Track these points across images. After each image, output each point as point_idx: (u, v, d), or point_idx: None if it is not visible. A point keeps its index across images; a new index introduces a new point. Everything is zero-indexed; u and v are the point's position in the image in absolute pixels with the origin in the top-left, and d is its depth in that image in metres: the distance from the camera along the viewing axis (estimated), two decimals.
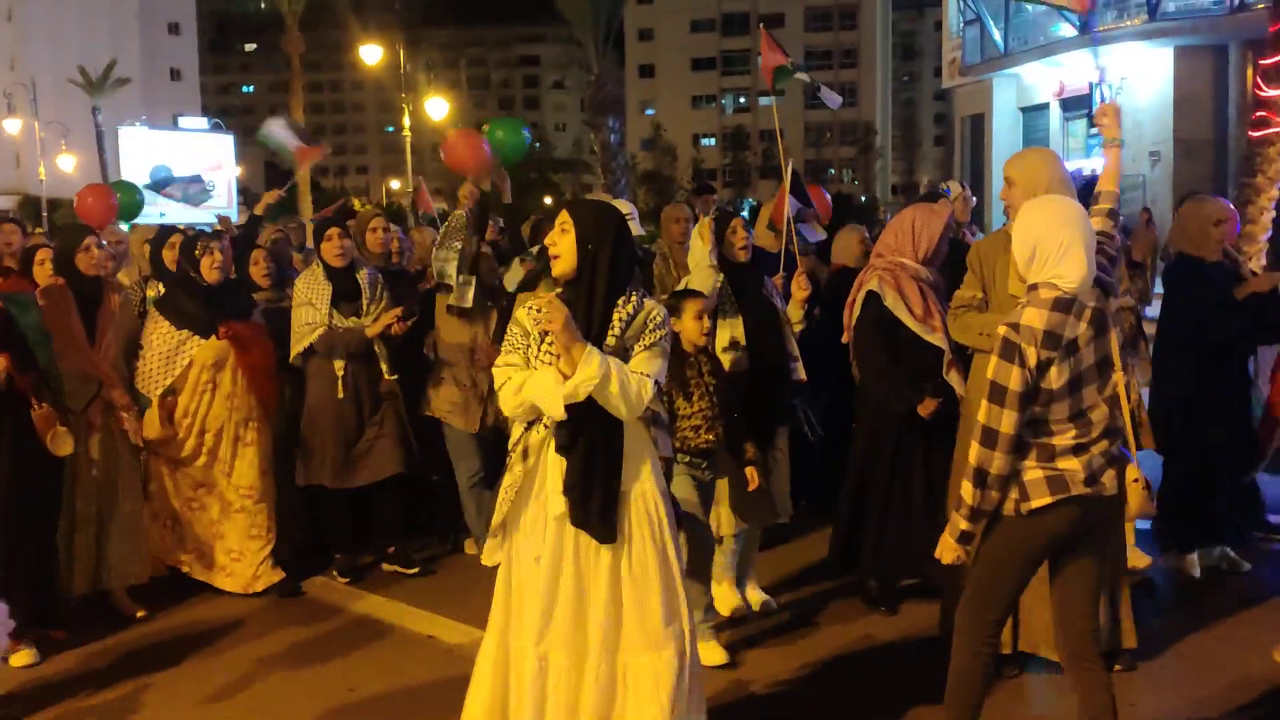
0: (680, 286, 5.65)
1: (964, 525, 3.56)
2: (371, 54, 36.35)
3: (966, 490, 3.51)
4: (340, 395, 6.29)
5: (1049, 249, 3.44)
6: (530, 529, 3.66)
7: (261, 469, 6.25)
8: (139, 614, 5.86)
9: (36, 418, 5.14)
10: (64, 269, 5.71)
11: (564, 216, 3.63)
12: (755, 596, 5.78)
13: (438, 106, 37.59)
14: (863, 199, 65.81)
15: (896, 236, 5.49)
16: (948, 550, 3.64)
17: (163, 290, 6.56)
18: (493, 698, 3.73)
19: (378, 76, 44.49)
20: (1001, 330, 3.47)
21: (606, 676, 3.61)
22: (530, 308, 3.64)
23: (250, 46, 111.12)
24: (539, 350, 3.56)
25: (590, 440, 3.56)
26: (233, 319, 6.15)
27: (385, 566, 6.60)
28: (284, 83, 41.11)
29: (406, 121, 36.12)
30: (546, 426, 3.60)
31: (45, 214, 45.40)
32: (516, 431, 3.72)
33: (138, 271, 7.84)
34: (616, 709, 3.63)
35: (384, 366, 6.40)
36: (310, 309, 6.26)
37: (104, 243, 6.08)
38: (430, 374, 6.63)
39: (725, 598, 5.67)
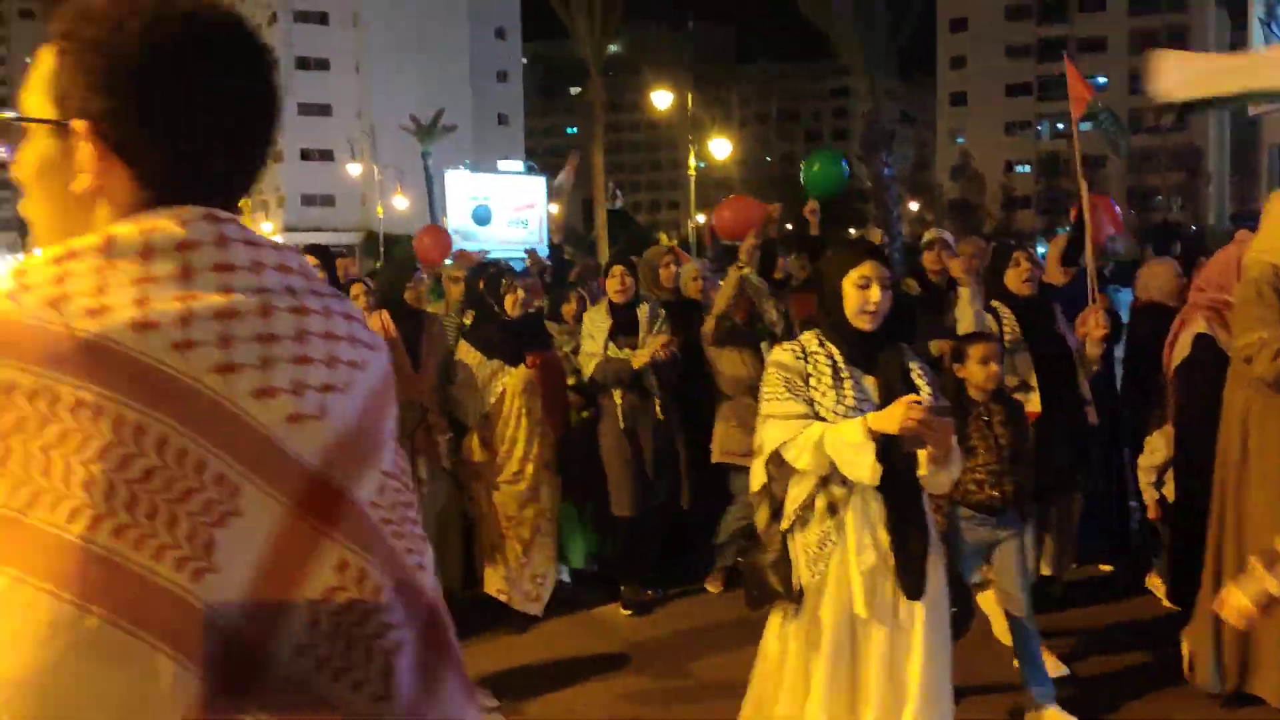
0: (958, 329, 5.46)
1: (1276, 589, 3.02)
2: (663, 99, 37.93)
3: None
4: (620, 426, 6.46)
5: None
6: (838, 587, 3.47)
7: (561, 495, 6.48)
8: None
9: None
10: (387, 302, 6.24)
11: (878, 269, 3.53)
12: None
13: (721, 146, 38.60)
14: (1192, 228, 61.44)
15: (1221, 272, 5.12)
16: (1236, 610, 3.06)
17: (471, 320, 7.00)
18: None
19: (693, 114, 45.91)
20: None
21: None
22: (911, 408, 3.24)
23: (576, 89, 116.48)
24: (831, 392, 3.42)
25: (897, 489, 3.43)
26: (534, 350, 6.41)
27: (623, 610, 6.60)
28: (610, 124, 43.02)
29: (692, 161, 37.22)
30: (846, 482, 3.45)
31: (383, 249, 49.46)
32: (807, 484, 3.52)
33: (447, 303, 8.41)
34: None
35: (656, 402, 6.50)
36: (590, 341, 6.52)
37: (424, 277, 6.63)
38: (716, 413, 6.67)
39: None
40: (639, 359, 6.41)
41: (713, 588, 6.80)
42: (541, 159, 63.02)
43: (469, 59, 78.49)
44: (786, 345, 3.64)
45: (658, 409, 6.51)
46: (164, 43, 1.19)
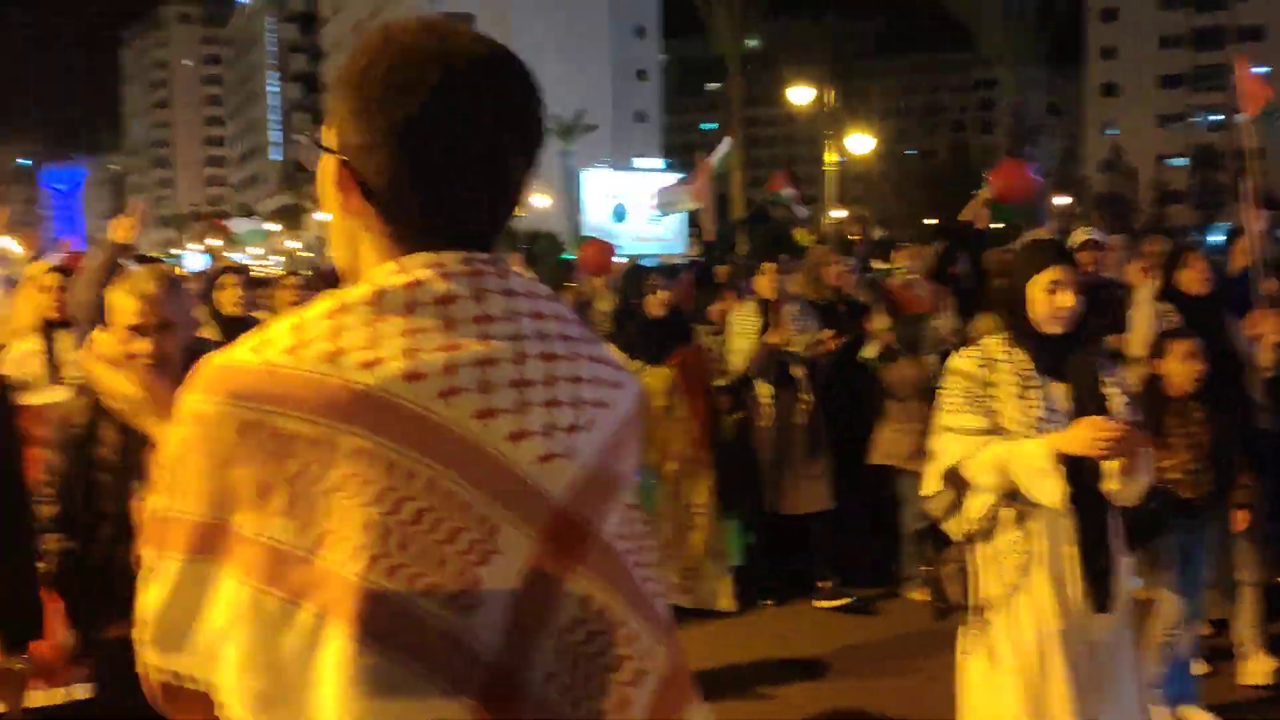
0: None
1: None
2: (801, 94, 37.33)
3: None
4: (767, 423, 6.48)
5: None
6: (1028, 599, 3.31)
7: (711, 487, 6.47)
8: None
9: None
10: None
11: (1069, 272, 3.36)
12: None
13: (860, 142, 37.97)
14: None
15: None
16: None
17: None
18: None
19: (832, 108, 45.38)
20: None
21: None
22: (1101, 434, 3.10)
23: (713, 85, 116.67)
24: (1015, 403, 3.27)
25: (1085, 504, 3.26)
26: (677, 349, 6.44)
27: (816, 603, 6.61)
28: (743, 119, 42.92)
29: (830, 156, 36.65)
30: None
31: (524, 246, 50.18)
32: (988, 495, 3.35)
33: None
34: None
35: (803, 396, 6.50)
36: (740, 338, 6.62)
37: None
38: (878, 414, 6.64)
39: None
40: (772, 337, 6.43)
41: (917, 595, 6.62)
42: (679, 155, 63.24)
43: (609, 58, 79.16)
44: (969, 352, 3.48)
45: (806, 407, 6.49)
46: (412, 84, 1.23)
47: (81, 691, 4.47)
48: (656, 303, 6.42)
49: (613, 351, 1.24)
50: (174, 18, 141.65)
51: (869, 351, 6.70)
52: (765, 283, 6.70)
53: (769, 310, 6.62)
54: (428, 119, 1.22)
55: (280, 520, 1.17)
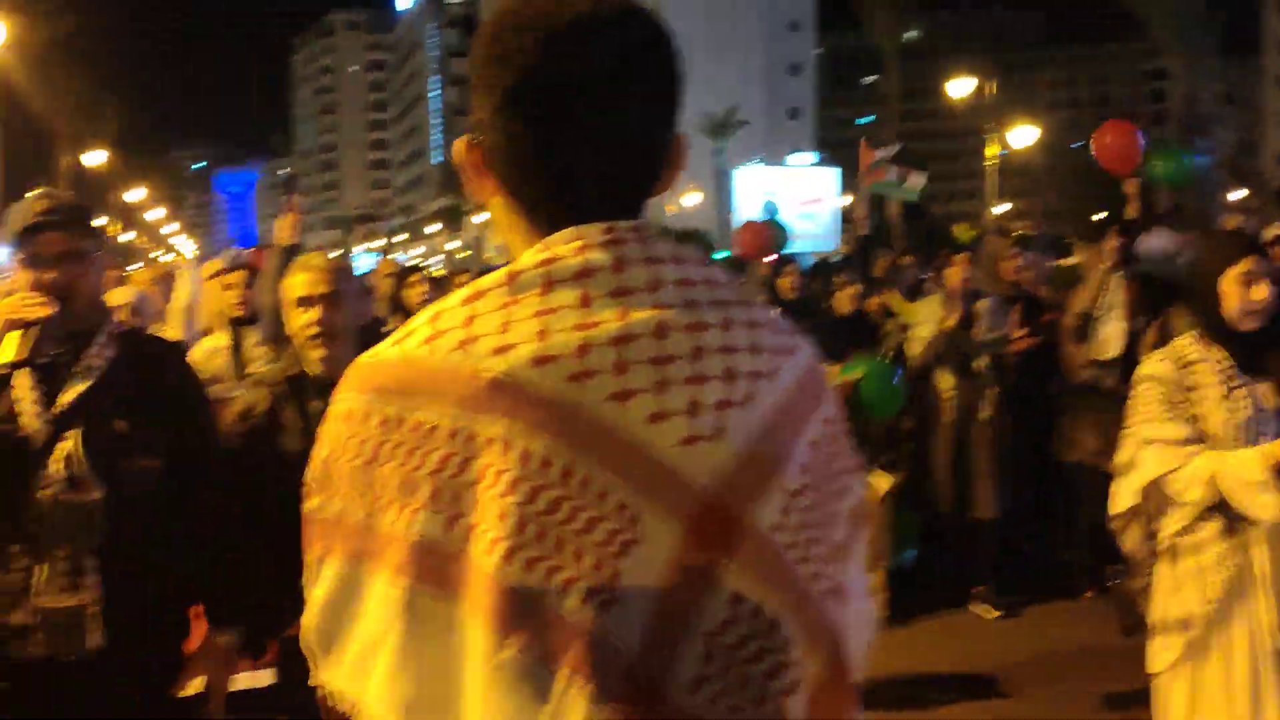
0: None
1: None
2: (961, 87, 36.54)
3: None
4: (947, 419, 6.33)
5: None
6: (1240, 615, 3.11)
7: (890, 488, 6.37)
8: None
9: None
10: None
11: (1262, 263, 3.18)
12: None
13: (1022, 134, 36.88)
14: None
15: None
16: None
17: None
18: None
19: (994, 100, 44.11)
20: None
21: None
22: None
23: (869, 79, 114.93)
24: (1219, 407, 3.08)
25: None
26: (856, 349, 6.32)
27: (971, 608, 6.47)
28: (898, 113, 42.18)
29: (990, 150, 35.64)
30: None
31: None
32: (1189, 509, 3.15)
33: None
34: None
35: (988, 393, 6.32)
36: (923, 329, 6.47)
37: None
38: (1067, 410, 6.45)
39: None
40: (948, 324, 6.28)
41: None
42: (833, 151, 62.47)
43: (762, 54, 78.79)
44: (1161, 354, 3.31)
45: (992, 403, 6.31)
46: (511, 53, 1.19)
47: (267, 678, 4.70)
48: (845, 298, 6.29)
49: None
50: (341, 25, 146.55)
51: (1111, 348, 6.30)
52: (955, 274, 6.44)
53: (955, 302, 6.37)
54: (530, 88, 1.18)
55: (427, 515, 1.14)
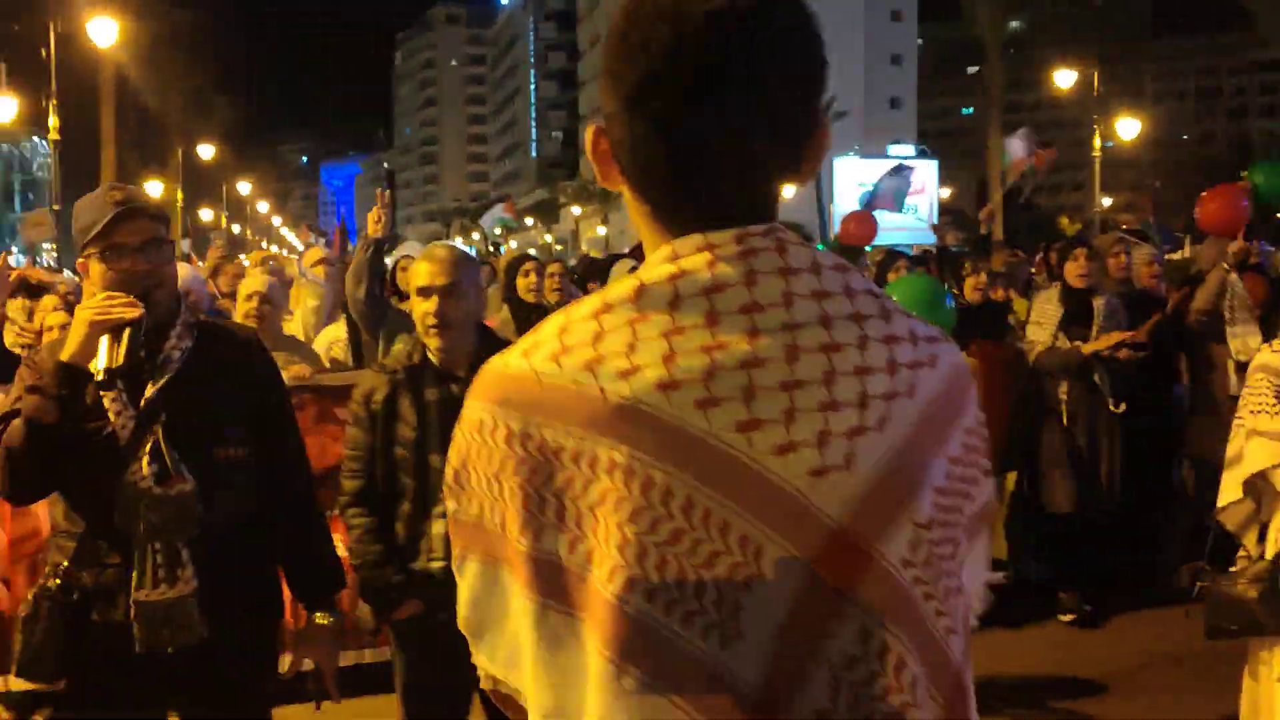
0: None
1: None
2: (1066, 78, 35.87)
3: None
4: (1063, 423, 6.13)
5: None
6: None
7: (1003, 495, 6.29)
8: None
9: None
10: None
11: None
12: None
13: (1128, 126, 35.97)
14: None
15: None
16: None
17: None
18: None
19: (1100, 92, 43.14)
20: None
21: None
22: None
23: (973, 69, 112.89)
24: None
25: None
26: (983, 339, 6.24)
27: (1060, 618, 6.27)
28: (1003, 103, 41.47)
29: (1097, 142, 34.78)
30: None
31: None
32: None
33: None
34: None
35: (1109, 399, 6.09)
36: (1037, 328, 6.23)
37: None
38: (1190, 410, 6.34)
39: None
40: (1089, 347, 6.05)
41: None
42: (934, 141, 61.63)
43: (862, 44, 77.88)
44: (1277, 345, 3.27)
45: (1110, 404, 6.08)
46: (637, 47, 1.15)
47: (372, 655, 4.80)
48: (972, 286, 6.15)
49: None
50: (442, 19, 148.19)
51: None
52: (1074, 269, 6.19)
53: (1072, 300, 6.16)
54: (658, 82, 1.14)
55: (553, 534, 1.15)
